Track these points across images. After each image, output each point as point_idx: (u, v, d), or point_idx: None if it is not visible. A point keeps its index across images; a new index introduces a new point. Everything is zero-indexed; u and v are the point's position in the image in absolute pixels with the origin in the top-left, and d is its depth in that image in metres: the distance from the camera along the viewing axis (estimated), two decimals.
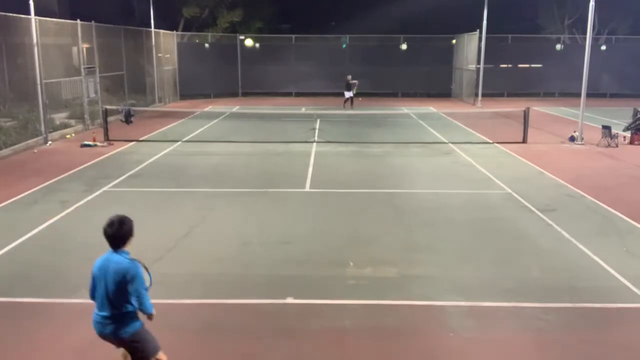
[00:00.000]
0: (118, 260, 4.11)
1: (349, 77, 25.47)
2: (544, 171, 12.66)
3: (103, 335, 4.24)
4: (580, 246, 7.79)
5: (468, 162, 13.74)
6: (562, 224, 8.71)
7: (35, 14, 15.54)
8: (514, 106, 23.53)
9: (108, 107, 17.69)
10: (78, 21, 18.82)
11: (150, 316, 4.29)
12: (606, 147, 15.72)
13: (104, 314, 4.14)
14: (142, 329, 4.28)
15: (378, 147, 15.76)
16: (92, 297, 4.25)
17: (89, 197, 10.17)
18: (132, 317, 4.20)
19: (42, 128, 15.92)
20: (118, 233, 4.13)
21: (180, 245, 7.84)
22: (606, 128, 16.12)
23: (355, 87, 25.39)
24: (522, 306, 6.01)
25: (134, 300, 4.11)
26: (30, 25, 15.58)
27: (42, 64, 15.86)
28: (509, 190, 10.85)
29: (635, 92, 30.47)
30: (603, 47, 32.36)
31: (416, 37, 32.09)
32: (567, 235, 8.25)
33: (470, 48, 28.72)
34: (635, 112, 17.81)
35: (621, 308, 6.04)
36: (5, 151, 14.18)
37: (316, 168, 12.90)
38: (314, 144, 16.10)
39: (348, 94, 25.33)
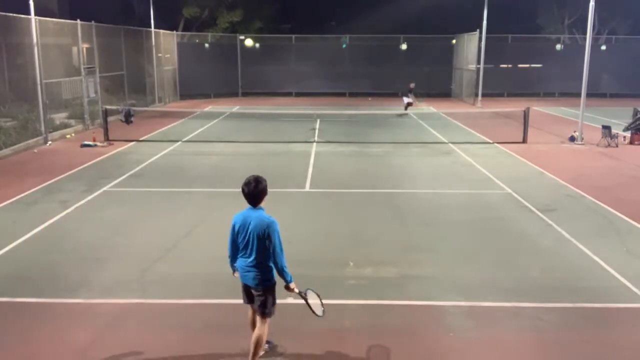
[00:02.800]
0: (259, 215, 4.53)
1: (412, 84, 24.98)
2: (544, 171, 12.66)
3: (245, 282, 4.62)
4: (580, 246, 7.79)
5: (468, 162, 13.74)
6: (562, 224, 8.71)
7: (35, 14, 15.55)
8: (514, 106, 23.53)
9: (108, 107, 17.69)
10: (78, 21, 18.83)
11: (287, 285, 4.61)
12: (606, 147, 15.72)
13: (250, 260, 4.51)
14: (273, 287, 4.65)
15: (378, 147, 15.76)
16: (234, 247, 4.64)
17: (89, 197, 10.17)
18: (270, 270, 4.56)
19: (42, 128, 15.92)
20: (255, 191, 4.61)
21: (180, 245, 7.84)
22: (606, 128, 16.12)
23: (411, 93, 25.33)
24: (522, 306, 6.01)
25: (271, 255, 4.48)
26: (30, 25, 15.59)
27: (42, 64, 15.86)
28: (509, 190, 10.85)
29: (635, 92, 30.46)
30: (603, 47, 32.35)
31: (416, 37, 32.10)
32: (567, 235, 8.25)
33: (470, 48, 28.72)
34: (635, 112, 17.82)
35: (621, 308, 6.04)
36: (5, 151, 14.18)
37: (316, 168, 12.90)
38: (314, 144, 16.10)
39: (407, 100, 25.19)
